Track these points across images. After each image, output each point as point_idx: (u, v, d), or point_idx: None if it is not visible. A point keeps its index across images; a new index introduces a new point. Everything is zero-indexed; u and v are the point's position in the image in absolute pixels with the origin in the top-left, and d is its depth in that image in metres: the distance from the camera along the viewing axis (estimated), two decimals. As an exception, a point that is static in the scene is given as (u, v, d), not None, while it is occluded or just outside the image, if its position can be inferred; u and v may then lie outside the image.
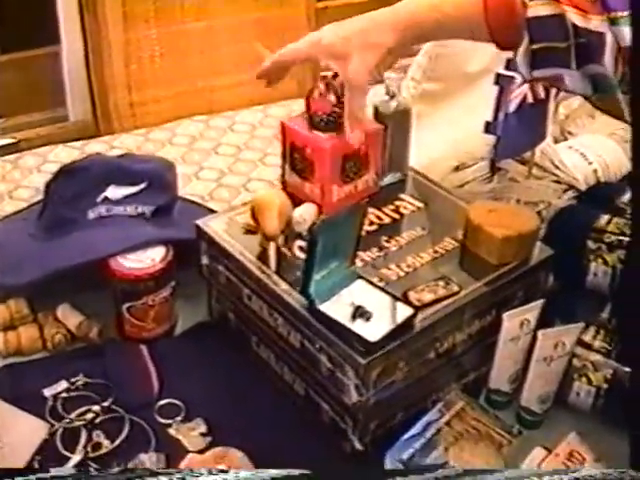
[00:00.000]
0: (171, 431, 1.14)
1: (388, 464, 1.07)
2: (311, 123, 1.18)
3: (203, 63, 2.21)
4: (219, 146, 1.66)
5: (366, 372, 1.01)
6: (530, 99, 1.32)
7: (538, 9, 1.03)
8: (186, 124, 1.73)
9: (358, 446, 1.09)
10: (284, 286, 1.10)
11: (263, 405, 1.17)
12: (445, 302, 1.08)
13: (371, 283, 1.08)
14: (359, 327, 1.01)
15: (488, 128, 1.41)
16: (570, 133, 1.55)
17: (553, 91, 1.33)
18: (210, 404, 1.17)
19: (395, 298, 1.06)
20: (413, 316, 1.04)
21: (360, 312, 1.03)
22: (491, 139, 1.39)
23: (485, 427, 1.11)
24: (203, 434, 1.14)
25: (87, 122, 2.20)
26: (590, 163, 1.43)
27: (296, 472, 0.99)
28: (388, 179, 1.28)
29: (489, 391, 1.18)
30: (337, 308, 1.04)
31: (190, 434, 1.14)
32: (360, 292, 1.06)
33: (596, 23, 1.00)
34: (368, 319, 1.02)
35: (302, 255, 1.14)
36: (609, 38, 0.99)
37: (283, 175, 1.25)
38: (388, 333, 1.02)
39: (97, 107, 2.22)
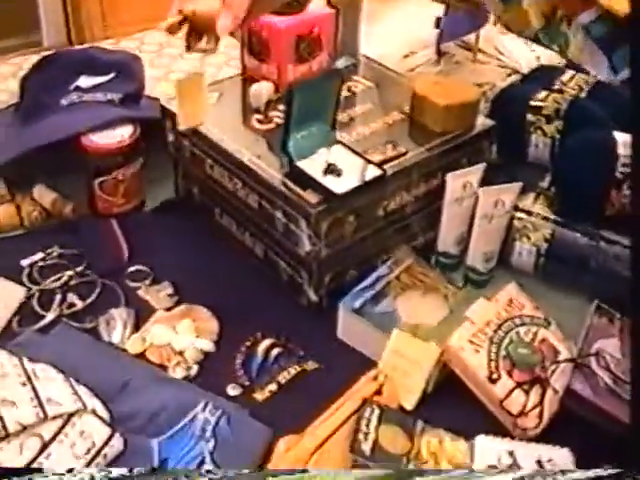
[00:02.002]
0: (140, 293, 1.22)
1: (341, 313, 1.16)
2: (269, 8, 1.26)
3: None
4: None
5: (317, 222, 1.10)
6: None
7: None
8: (153, 34, 1.80)
9: (313, 297, 1.18)
10: (243, 151, 1.18)
11: (226, 268, 1.26)
12: (392, 163, 1.17)
13: (348, 147, 1.17)
14: (329, 182, 1.10)
15: (439, 23, 1.49)
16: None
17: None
18: (176, 269, 1.25)
19: (367, 161, 1.14)
20: (381, 177, 1.13)
21: (331, 169, 1.11)
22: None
23: (432, 280, 1.20)
24: (170, 295, 1.22)
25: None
26: (533, 50, 1.52)
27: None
28: (341, 62, 1.36)
29: (438, 254, 1.27)
30: (312, 165, 1.12)
31: (158, 295, 1.22)
32: (336, 154, 1.15)
33: None
34: (339, 175, 1.11)
35: (261, 126, 1.23)
36: None
37: (242, 60, 1.33)
38: (354, 188, 1.10)
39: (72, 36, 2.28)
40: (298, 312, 1.20)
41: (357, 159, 1.15)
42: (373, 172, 1.13)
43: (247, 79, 1.32)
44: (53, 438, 0.93)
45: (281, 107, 1.25)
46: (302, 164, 1.13)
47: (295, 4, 1.24)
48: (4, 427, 0.92)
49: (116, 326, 1.16)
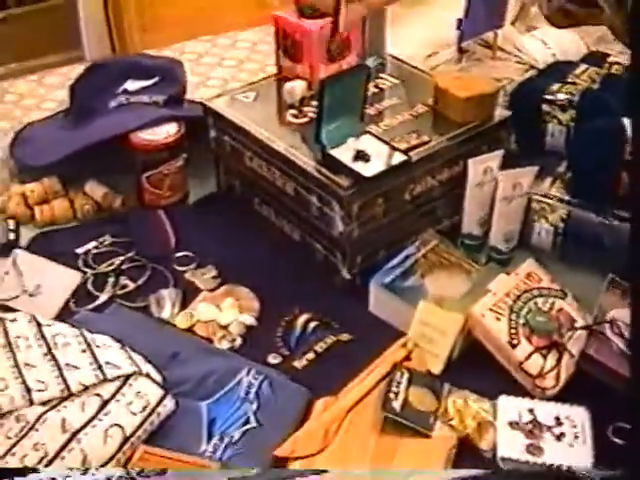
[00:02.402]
0: (187, 275, 1.33)
1: (372, 289, 1.25)
2: (299, 12, 1.37)
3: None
4: (223, 60, 1.84)
5: (349, 204, 1.20)
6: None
7: None
8: (193, 44, 1.92)
9: (347, 275, 1.28)
10: (280, 142, 1.28)
11: (265, 252, 1.36)
12: (417, 150, 1.26)
13: (375, 136, 1.27)
14: (358, 167, 1.21)
15: (460, 24, 1.59)
16: (533, 27, 1.73)
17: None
18: (219, 255, 1.35)
19: (393, 148, 1.24)
20: (406, 162, 1.23)
21: (360, 155, 1.22)
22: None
23: (456, 259, 1.30)
24: (214, 277, 1.32)
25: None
26: (549, 48, 1.61)
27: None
28: (369, 63, 1.46)
29: (463, 236, 1.36)
30: (343, 152, 1.23)
31: (203, 277, 1.32)
32: (364, 142, 1.26)
33: None
34: (367, 161, 1.21)
35: (295, 120, 1.33)
36: None
37: (278, 61, 1.44)
38: (381, 172, 1.21)
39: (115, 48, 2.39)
40: (333, 290, 1.30)
41: (384, 146, 1.25)
42: (399, 158, 1.23)
43: (282, 79, 1.42)
44: (112, 397, 1.04)
45: (314, 103, 1.35)
46: (334, 152, 1.23)
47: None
48: (68, 388, 1.03)
49: (165, 305, 1.26)
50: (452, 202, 1.35)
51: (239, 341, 1.21)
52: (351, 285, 1.29)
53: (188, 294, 1.29)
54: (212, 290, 1.30)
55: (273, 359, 1.18)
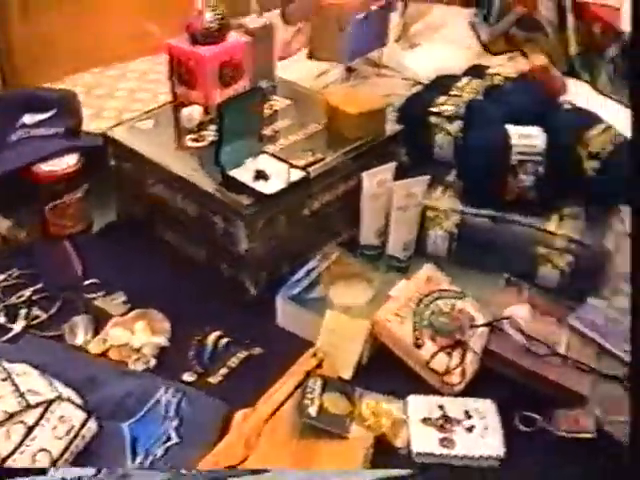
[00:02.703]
0: (97, 303, 1.34)
1: (279, 303, 1.29)
2: (192, 40, 1.41)
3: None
4: (115, 91, 1.86)
5: (252, 222, 1.24)
6: (374, 7, 1.58)
7: None
8: (82, 76, 1.92)
9: (253, 291, 1.32)
10: (181, 167, 1.32)
11: (172, 275, 1.38)
12: (314, 167, 1.31)
13: (273, 155, 1.32)
14: (259, 186, 1.25)
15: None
16: (416, 44, 1.81)
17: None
18: (127, 280, 1.37)
19: (291, 166, 1.29)
20: (305, 178, 1.29)
21: (260, 174, 1.26)
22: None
23: (357, 269, 1.35)
24: (124, 302, 1.34)
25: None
26: (432, 63, 1.69)
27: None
28: (261, 85, 1.51)
29: (361, 247, 1.42)
30: (242, 173, 1.28)
31: (113, 303, 1.34)
32: (263, 162, 1.31)
33: None
34: (267, 180, 1.26)
35: (195, 145, 1.37)
36: None
37: (173, 88, 1.47)
38: (281, 189, 1.26)
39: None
40: (241, 306, 1.33)
41: (282, 165, 1.30)
42: (297, 174, 1.28)
43: (178, 105, 1.45)
44: (36, 423, 1.05)
45: (212, 127, 1.39)
46: (233, 173, 1.27)
47: (217, 34, 1.39)
48: (-9, 417, 1.04)
49: (78, 332, 1.28)
50: (350, 215, 1.40)
51: (153, 362, 1.24)
52: (258, 300, 1.33)
53: (100, 320, 1.31)
54: (123, 315, 1.32)
55: (188, 377, 1.21)
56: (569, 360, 1.25)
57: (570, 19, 0.98)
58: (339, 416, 1.14)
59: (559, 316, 1.33)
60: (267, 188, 1.25)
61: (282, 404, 1.16)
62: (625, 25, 0.97)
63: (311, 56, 1.74)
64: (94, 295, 1.35)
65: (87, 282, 1.37)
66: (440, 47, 1.75)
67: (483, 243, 1.39)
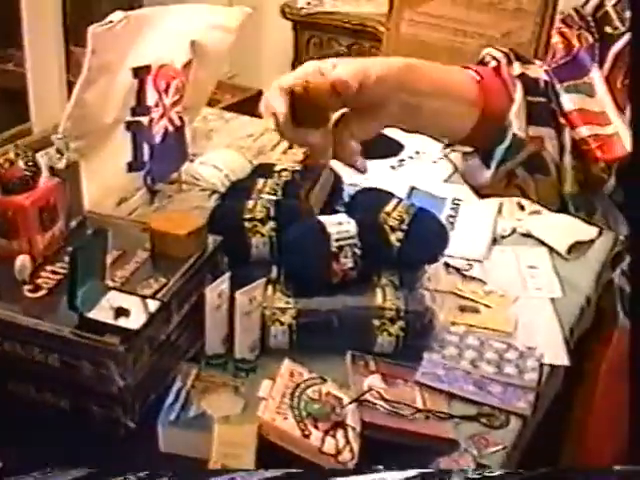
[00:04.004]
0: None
1: (161, 430, 1.33)
2: (5, 189, 1.41)
3: None
4: None
5: (124, 359, 1.27)
6: (171, 128, 1.65)
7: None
8: None
9: (132, 425, 1.34)
10: (33, 319, 1.32)
11: (36, 429, 1.36)
12: (161, 292, 1.37)
13: (121, 290, 1.35)
14: (123, 322, 1.29)
15: (131, 167, 1.71)
16: (195, 154, 1.90)
17: (186, 117, 1.67)
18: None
19: (144, 297, 1.34)
20: (162, 307, 1.33)
21: (120, 311, 1.29)
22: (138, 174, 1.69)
23: (220, 379, 1.42)
24: (-3, 470, 1.31)
25: None
26: (221, 170, 1.79)
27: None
28: (73, 223, 1.53)
29: (208, 357, 1.47)
30: (101, 313, 1.30)
31: (-14, 475, 1.31)
32: (115, 298, 1.33)
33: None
34: (128, 316, 1.29)
35: (34, 295, 1.37)
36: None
37: (-12, 242, 1.46)
38: (146, 322, 1.30)
39: None
40: (118, 442, 1.34)
41: (134, 298, 1.34)
42: (154, 304, 1.33)
43: (-3, 259, 1.44)
44: None
45: (43, 274, 1.40)
46: (92, 315, 1.30)
47: (29, 181, 1.40)
48: None
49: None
50: (193, 331, 1.46)
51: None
52: (137, 432, 1.35)
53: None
54: (1, 482, 1.29)
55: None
56: (430, 413, 1.40)
57: (567, 159, 1.05)
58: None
59: (405, 377, 1.47)
60: (131, 323, 1.29)
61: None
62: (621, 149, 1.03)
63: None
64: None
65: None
66: (222, 152, 1.85)
67: (322, 328, 1.50)
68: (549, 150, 1.08)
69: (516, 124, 1.08)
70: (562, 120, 1.09)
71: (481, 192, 1.15)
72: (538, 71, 1.15)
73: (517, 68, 1.13)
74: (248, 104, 3.35)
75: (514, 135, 1.07)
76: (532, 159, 1.09)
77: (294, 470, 1.22)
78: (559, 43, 1.16)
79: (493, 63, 1.14)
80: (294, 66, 3.85)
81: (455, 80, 1.11)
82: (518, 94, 1.09)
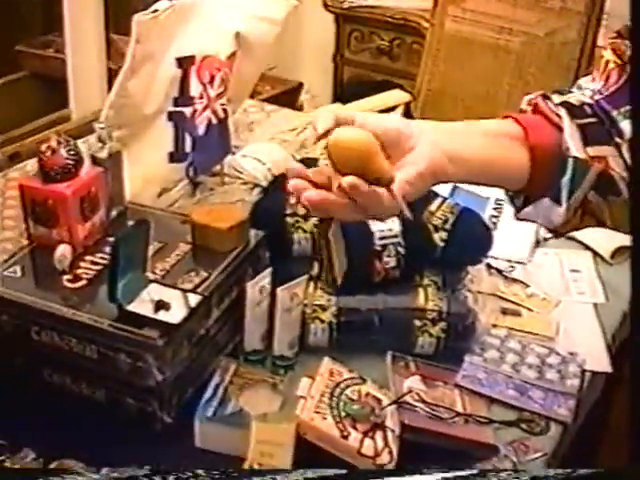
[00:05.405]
0: (6, 464, 1.29)
1: (198, 425, 1.31)
2: (46, 178, 1.40)
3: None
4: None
5: (163, 353, 1.26)
6: (214, 120, 1.63)
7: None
8: None
9: (168, 419, 1.33)
10: (71, 310, 1.31)
11: (73, 421, 1.36)
12: (202, 286, 1.35)
13: (162, 284, 1.33)
14: (162, 316, 1.27)
15: (172, 157, 1.70)
16: (236, 147, 1.89)
17: (230, 109, 1.66)
18: (29, 436, 1.33)
19: (184, 291, 1.32)
20: (203, 301, 1.32)
21: (160, 305, 1.28)
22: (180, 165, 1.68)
23: (258, 376, 1.40)
24: (35, 459, 1.30)
25: None
26: (264, 164, 1.77)
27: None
28: (114, 213, 1.52)
29: (246, 354, 1.46)
30: (141, 306, 1.28)
31: (24, 462, 1.30)
32: (155, 291, 1.32)
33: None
34: (168, 309, 1.27)
35: (73, 285, 1.36)
36: None
37: (28, 230, 1.45)
38: (186, 316, 1.28)
39: None
40: (154, 437, 1.33)
41: (175, 291, 1.32)
42: (195, 298, 1.31)
43: (38, 247, 1.43)
44: None
45: (82, 264, 1.39)
46: (131, 307, 1.28)
47: (71, 169, 1.39)
48: None
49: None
50: (232, 326, 1.44)
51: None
52: (171, 427, 1.33)
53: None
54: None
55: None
56: (470, 417, 1.37)
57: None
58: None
59: (445, 379, 1.45)
60: (172, 317, 1.27)
61: None
62: None
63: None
64: (2, 457, 1.30)
65: (-15, 446, 1.32)
66: (265, 145, 1.83)
67: (363, 327, 1.48)
68: (615, 169, 1.03)
69: (573, 146, 1.03)
70: (618, 140, 1.04)
71: (560, 231, 1.10)
72: (579, 97, 1.10)
73: (556, 98, 1.09)
74: (287, 96, 3.33)
75: (575, 159, 1.03)
76: (601, 180, 1.04)
77: (336, 471, 1.20)
78: (611, 62, 1.11)
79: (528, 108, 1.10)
80: (335, 59, 3.83)
81: (497, 146, 1.04)
82: (565, 119, 1.04)
